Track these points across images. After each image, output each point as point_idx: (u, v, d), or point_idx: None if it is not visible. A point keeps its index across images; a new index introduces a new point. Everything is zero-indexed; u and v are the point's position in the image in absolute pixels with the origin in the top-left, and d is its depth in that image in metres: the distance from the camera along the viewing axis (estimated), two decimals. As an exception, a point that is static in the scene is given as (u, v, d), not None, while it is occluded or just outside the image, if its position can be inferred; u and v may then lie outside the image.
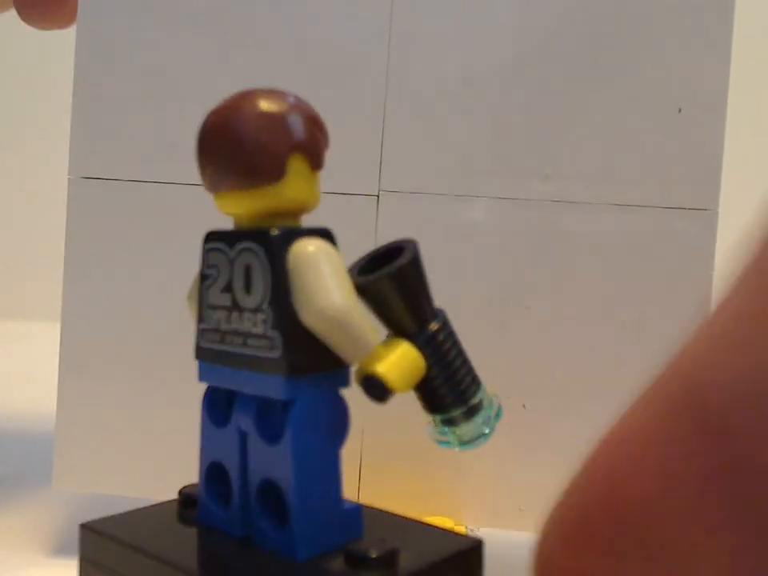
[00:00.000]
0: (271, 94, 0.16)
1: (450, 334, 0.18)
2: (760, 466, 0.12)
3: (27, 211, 0.69)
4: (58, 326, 0.26)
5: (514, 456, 0.26)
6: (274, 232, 0.16)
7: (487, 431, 0.18)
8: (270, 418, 0.16)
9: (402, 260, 0.17)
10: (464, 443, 0.18)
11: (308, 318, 0.15)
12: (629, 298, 0.26)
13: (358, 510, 0.16)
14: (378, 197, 0.26)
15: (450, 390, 0.17)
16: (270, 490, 0.16)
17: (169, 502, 0.18)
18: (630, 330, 0.26)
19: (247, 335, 0.16)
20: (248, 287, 0.16)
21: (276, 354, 0.15)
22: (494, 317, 0.26)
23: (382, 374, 0.16)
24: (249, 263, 0.16)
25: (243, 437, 0.16)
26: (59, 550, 0.27)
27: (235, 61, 0.25)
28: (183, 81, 0.25)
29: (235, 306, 0.16)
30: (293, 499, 0.15)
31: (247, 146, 0.16)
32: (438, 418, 0.18)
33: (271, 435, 0.16)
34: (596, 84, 0.25)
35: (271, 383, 0.15)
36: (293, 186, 0.16)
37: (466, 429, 0.18)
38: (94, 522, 0.17)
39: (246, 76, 0.25)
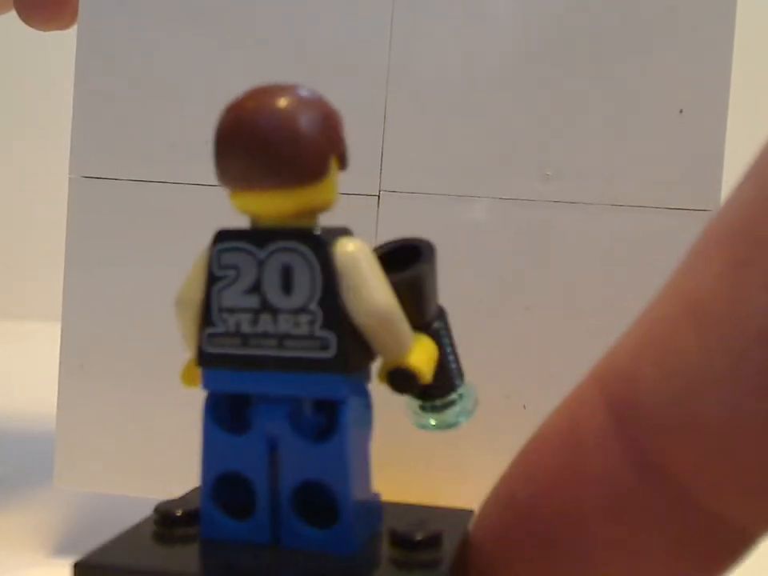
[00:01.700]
0: (302, 90, 0.16)
1: (449, 329, 0.19)
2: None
3: (27, 211, 0.69)
4: (58, 326, 0.26)
5: (512, 455, 0.26)
6: (318, 231, 0.16)
7: (462, 420, 0.20)
8: (302, 419, 0.16)
9: (427, 257, 0.18)
10: (440, 428, 0.20)
11: (362, 317, 0.16)
12: (629, 299, 0.26)
13: (378, 497, 0.17)
14: (378, 197, 0.26)
15: (442, 380, 0.19)
16: (305, 491, 0.16)
17: (145, 521, 0.17)
18: (630, 331, 0.26)
19: (284, 337, 0.16)
20: (287, 288, 0.16)
21: (329, 353, 0.15)
22: (494, 317, 0.26)
23: (415, 367, 0.16)
24: (288, 263, 0.16)
25: (269, 442, 0.16)
26: (59, 550, 0.27)
27: (235, 60, 0.25)
28: (184, 80, 0.25)
29: (266, 308, 0.16)
30: (344, 495, 0.16)
31: (299, 144, 0.15)
32: (426, 404, 0.19)
33: (311, 435, 0.16)
34: (597, 84, 0.25)
35: (324, 383, 0.16)
36: (329, 186, 0.16)
37: (445, 416, 0.19)
38: (87, 558, 0.15)
39: (246, 75, 0.25)
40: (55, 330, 0.26)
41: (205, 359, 0.16)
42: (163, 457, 0.26)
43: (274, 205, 0.16)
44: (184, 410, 0.25)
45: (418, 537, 0.15)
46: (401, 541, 0.15)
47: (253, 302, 0.16)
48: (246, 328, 0.16)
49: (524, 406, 0.26)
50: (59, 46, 0.32)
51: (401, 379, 0.16)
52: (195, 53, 0.25)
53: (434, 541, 0.15)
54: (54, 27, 0.29)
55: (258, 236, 0.16)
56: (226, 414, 0.16)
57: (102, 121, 0.26)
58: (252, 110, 0.15)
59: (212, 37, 0.25)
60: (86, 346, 0.26)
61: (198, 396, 0.18)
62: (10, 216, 0.69)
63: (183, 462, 0.26)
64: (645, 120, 0.25)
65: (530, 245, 0.26)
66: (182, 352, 0.19)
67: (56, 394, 0.26)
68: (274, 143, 0.15)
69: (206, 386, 0.16)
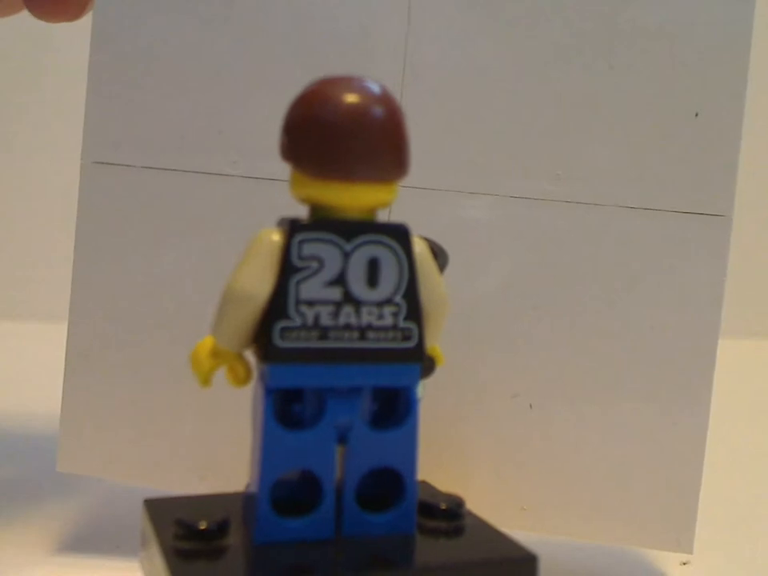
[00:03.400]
0: (378, 84, 0.16)
1: None
2: None
3: (28, 211, 0.69)
4: (59, 326, 0.25)
5: (518, 455, 0.26)
6: (406, 226, 0.16)
7: None
8: (367, 408, 0.16)
9: (440, 264, 0.19)
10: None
11: (435, 307, 0.16)
12: (639, 302, 0.25)
13: None
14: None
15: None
16: (369, 478, 0.16)
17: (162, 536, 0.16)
18: (638, 333, 0.25)
19: (367, 328, 0.15)
20: (372, 280, 0.16)
21: (412, 343, 0.16)
22: (501, 317, 0.26)
23: (438, 354, 0.18)
24: (376, 256, 0.15)
25: (339, 434, 0.16)
26: (61, 550, 0.27)
27: (249, 50, 0.25)
28: (197, 68, 0.25)
29: (349, 300, 0.16)
30: (411, 477, 0.16)
31: (407, 142, 0.16)
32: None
33: (382, 423, 0.16)
34: (611, 85, 0.25)
35: (399, 372, 0.16)
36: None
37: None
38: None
39: (259, 65, 0.25)
40: (56, 330, 0.26)
41: (276, 354, 0.15)
42: (167, 447, 0.26)
43: (374, 198, 0.16)
44: (188, 399, 0.25)
45: (442, 506, 0.17)
46: (426, 509, 0.17)
47: (335, 294, 0.15)
48: (326, 321, 0.15)
49: (530, 406, 0.26)
50: (72, 31, 0.32)
51: (429, 365, 0.17)
52: (208, 41, 0.25)
53: (456, 509, 0.17)
54: (60, 19, 0.29)
55: (347, 228, 0.16)
56: (285, 412, 0.16)
57: (115, 106, 0.25)
58: (368, 105, 0.15)
59: (225, 26, 0.25)
60: (93, 336, 0.26)
61: (202, 388, 0.17)
62: (10, 216, 0.69)
63: (187, 453, 0.26)
64: (660, 123, 0.25)
65: (538, 245, 0.25)
66: (190, 342, 0.19)
67: (57, 394, 0.26)
68: (398, 139, 0.16)
69: (273, 382, 0.16)
